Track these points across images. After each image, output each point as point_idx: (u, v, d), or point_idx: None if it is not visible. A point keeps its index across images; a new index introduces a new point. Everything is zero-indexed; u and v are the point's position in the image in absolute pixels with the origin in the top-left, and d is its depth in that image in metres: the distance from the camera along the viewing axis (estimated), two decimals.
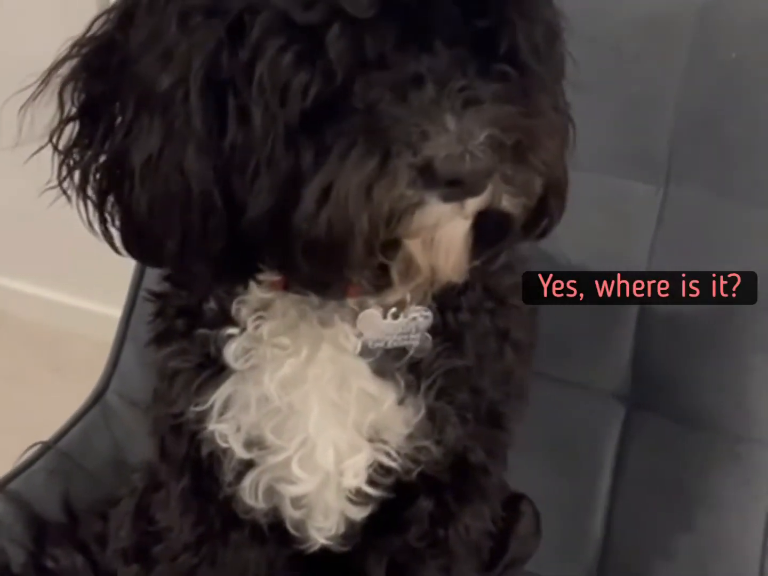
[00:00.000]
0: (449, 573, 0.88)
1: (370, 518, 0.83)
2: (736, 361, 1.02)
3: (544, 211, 0.62)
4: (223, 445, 0.76)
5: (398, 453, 0.76)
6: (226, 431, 0.75)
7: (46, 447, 1.15)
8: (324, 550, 0.87)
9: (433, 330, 0.74)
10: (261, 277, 0.68)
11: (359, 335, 0.72)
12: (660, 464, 1.08)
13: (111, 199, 0.64)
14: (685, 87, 1.01)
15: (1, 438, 1.27)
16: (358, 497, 0.79)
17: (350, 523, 0.83)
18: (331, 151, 0.57)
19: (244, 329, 0.73)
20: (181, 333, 0.76)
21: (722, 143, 1.01)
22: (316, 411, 0.74)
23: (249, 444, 0.76)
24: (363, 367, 0.74)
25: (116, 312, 1.26)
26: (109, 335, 1.26)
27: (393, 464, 0.76)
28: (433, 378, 0.74)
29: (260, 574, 0.88)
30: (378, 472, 0.77)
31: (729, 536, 1.04)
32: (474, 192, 0.57)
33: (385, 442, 0.76)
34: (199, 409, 0.75)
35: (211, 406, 0.75)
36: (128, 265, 1.01)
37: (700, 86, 1.01)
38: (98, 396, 1.24)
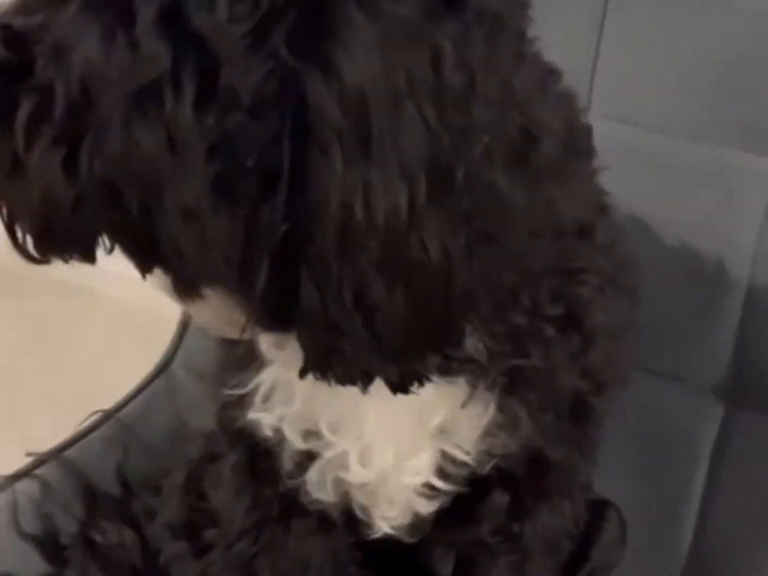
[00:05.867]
0: (522, 571, 0.81)
1: (440, 510, 0.76)
2: None
3: None
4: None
5: (471, 447, 0.70)
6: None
7: (106, 416, 1.11)
8: (390, 542, 0.80)
9: None
10: None
11: None
12: (760, 472, 0.98)
13: None
14: None
15: None
16: (427, 490, 0.73)
17: (419, 515, 0.77)
18: None
19: None
20: None
21: None
22: (373, 415, 0.68)
23: (306, 435, 0.71)
24: None
25: None
26: None
27: (466, 458, 0.70)
28: (492, 377, 0.66)
29: (324, 566, 0.82)
30: (450, 465, 0.71)
31: None
32: None
33: (454, 440, 0.70)
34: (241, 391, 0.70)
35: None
36: None
37: None
38: (163, 367, 1.19)
